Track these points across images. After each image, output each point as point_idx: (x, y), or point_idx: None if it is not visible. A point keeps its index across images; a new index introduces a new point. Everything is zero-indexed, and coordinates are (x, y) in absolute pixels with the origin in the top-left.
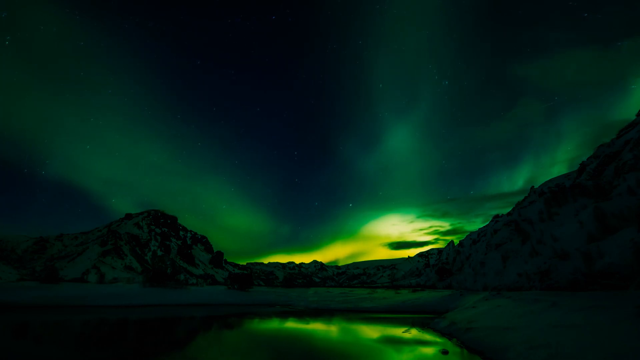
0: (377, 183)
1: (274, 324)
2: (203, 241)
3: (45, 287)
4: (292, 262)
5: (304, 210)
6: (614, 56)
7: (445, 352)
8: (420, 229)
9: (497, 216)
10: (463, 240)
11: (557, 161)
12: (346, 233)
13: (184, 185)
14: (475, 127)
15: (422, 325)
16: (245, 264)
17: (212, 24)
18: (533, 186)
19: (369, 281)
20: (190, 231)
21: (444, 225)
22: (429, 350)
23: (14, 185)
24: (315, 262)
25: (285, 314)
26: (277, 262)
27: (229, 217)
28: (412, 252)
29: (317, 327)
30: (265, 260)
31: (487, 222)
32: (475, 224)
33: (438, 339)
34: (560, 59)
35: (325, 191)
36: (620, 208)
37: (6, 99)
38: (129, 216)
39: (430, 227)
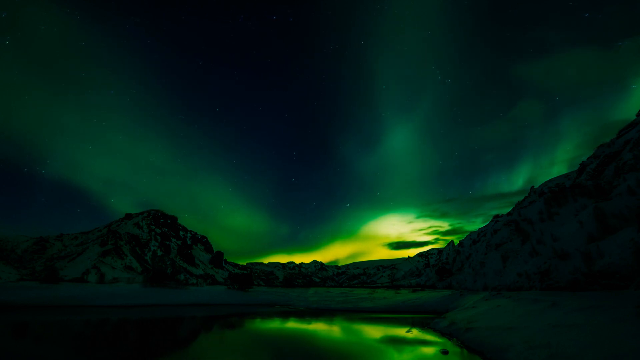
0: (377, 183)
1: (274, 324)
2: (203, 241)
3: (45, 287)
4: (292, 262)
5: (304, 210)
6: (614, 56)
7: (445, 352)
8: (420, 229)
9: (497, 216)
10: (463, 240)
11: (557, 161)
12: (346, 233)
13: (184, 185)
14: (476, 127)
15: (422, 325)
16: (245, 264)
17: (212, 24)
18: (533, 186)
19: (369, 281)
20: (190, 231)
21: (444, 225)
22: (429, 350)
23: (14, 185)
24: (315, 262)
25: (285, 314)
26: (277, 262)
27: (229, 217)
28: (412, 252)
29: (317, 327)
30: (265, 260)
31: (487, 222)
32: (475, 224)
33: (438, 339)
34: (560, 59)
35: (325, 191)
36: (620, 208)
37: (6, 99)
38: (129, 216)
39: (430, 227)
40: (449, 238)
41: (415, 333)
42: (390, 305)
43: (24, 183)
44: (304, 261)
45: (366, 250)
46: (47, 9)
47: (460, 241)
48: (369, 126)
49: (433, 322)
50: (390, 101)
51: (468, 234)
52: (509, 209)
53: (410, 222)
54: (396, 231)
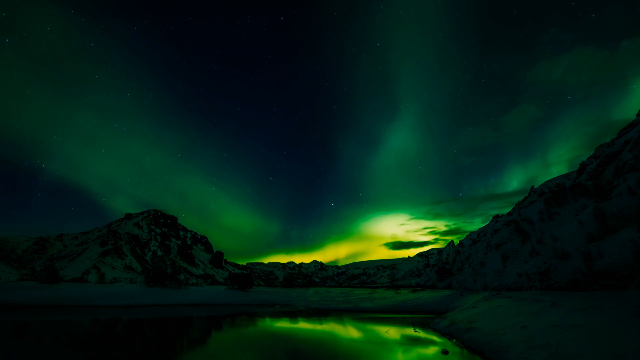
0: (377, 183)
1: (274, 324)
2: (203, 241)
3: (45, 287)
4: (292, 262)
5: (304, 210)
6: (614, 56)
7: (445, 352)
8: (421, 229)
9: (497, 216)
10: (463, 240)
11: (557, 161)
12: (346, 233)
13: (184, 185)
14: (475, 128)
15: (422, 325)
16: (245, 264)
17: (212, 25)
18: (533, 186)
19: (369, 281)
20: (190, 231)
21: (444, 225)
22: (429, 350)
23: (14, 185)
24: (315, 262)
25: (285, 314)
26: (277, 262)
27: (229, 217)
28: (412, 252)
29: (317, 327)
30: (265, 260)
31: (487, 222)
32: (475, 224)
33: (438, 339)
34: (559, 59)
35: (326, 191)
36: (620, 208)
37: (6, 99)
38: (129, 216)
39: (430, 227)
40: (448, 238)
41: (415, 333)
42: (390, 305)
43: (24, 183)
44: (304, 261)
45: (366, 250)
46: (47, 9)
47: (460, 241)
48: (370, 126)
49: (433, 322)
50: (390, 101)
51: (468, 234)
52: (509, 209)
53: (410, 222)
54: (396, 231)
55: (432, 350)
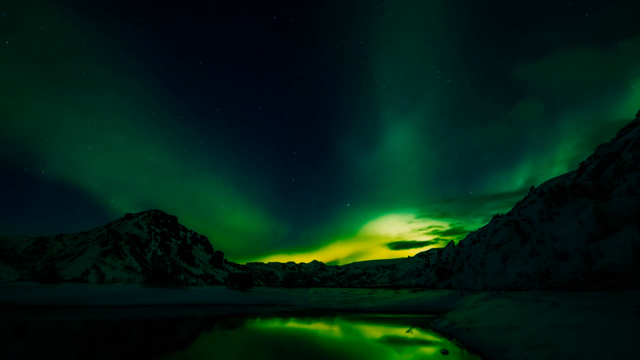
0: (377, 183)
1: (274, 324)
2: (203, 241)
3: (45, 287)
4: (292, 262)
5: (304, 210)
6: (614, 56)
7: (445, 352)
8: (420, 229)
9: (497, 216)
10: (463, 240)
11: (557, 161)
12: (346, 233)
13: (184, 185)
14: (475, 127)
15: (422, 325)
16: (245, 264)
17: (212, 24)
18: (533, 186)
19: (369, 281)
20: (190, 231)
21: (444, 225)
22: (429, 350)
23: (14, 185)
24: (315, 262)
25: (285, 314)
26: (277, 262)
27: (229, 217)
28: (412, 252)
29: (317, 327)
30: (265, 260)
31: (487, 222)
32: (475, 224)
33: (438, 339)
34: (560, 59)
35: (326, 191)
36: (620, 208)
37: (6, 99)
38: (129, 216)
39: (430, 227)
40: (449, 238)
41: (415, 333)
42: (390, 305)
43: (24, 183)
44: (304, 261)
45: (366, 250)
46: (47, 9)
47: (460, 241)
48: (369, 126)
49: (433, 322)
50: (390, 101)
51: (468, 234)
52: (509, 209)
53: (410, 222)
54: (396, 231)
55: (432, 350)
